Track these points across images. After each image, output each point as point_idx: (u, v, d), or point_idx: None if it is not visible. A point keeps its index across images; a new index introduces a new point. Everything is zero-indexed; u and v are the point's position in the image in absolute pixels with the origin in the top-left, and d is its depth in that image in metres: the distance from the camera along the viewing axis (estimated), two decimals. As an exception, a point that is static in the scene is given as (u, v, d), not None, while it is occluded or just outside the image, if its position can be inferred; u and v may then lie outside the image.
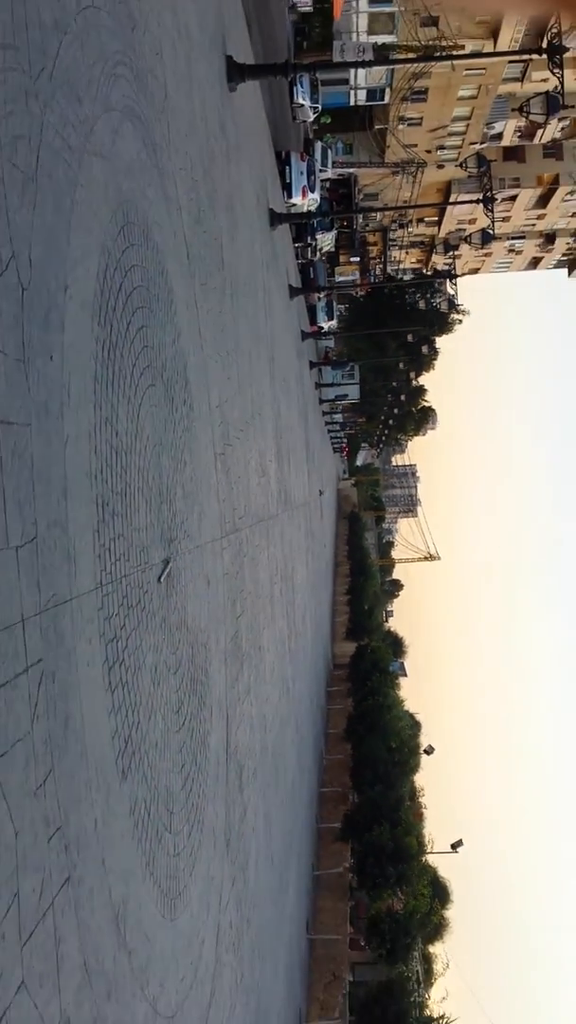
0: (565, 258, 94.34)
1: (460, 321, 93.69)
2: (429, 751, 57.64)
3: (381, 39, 52.58)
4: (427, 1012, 34.03)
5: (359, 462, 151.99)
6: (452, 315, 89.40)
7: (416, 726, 57.79)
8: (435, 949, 40.54)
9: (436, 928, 39.14)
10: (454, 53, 47.58)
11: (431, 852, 44.93)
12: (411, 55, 49.41)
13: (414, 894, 35.24)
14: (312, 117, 43.97)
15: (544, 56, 22.04)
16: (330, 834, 38.41)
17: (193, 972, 10.91)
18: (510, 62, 60.69)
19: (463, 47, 52.65)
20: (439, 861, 45.02)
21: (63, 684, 6.44)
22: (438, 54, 45.69)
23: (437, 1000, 36.48)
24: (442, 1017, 34.00)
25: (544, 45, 21.82)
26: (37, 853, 5.75)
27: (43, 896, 5.81)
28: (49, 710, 6.10)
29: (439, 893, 40.28)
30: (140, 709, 8.86)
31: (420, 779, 52.25)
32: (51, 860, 6.00)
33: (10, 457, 5.60)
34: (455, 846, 50.30)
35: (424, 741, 57.31)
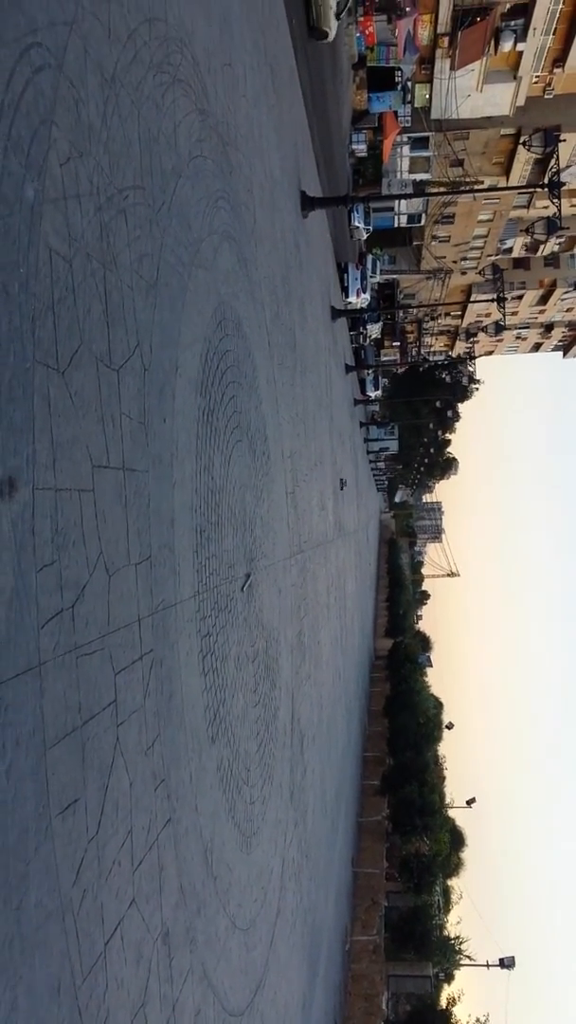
0: (561, 343, 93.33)
1: (476, 390, 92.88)
2: (450, 726, 56.75)
3: (419, 176, 52.79)
4: (446, 932, 33.25)
5: (397, 499, 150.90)
6: (471, 387, 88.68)
7: (439, 706, 56.90)
8: (453, 883, 39.63)
9: (454, 867, 38.33)
10: (475, 187, 47.54)
11: (450, 807, 44.10)
12: (442, 189, 49.52)
13: (436, 840, 34.59)
14: (366, 237, 44.14)
15: (546, 189, 21.89)
16: (371, 789, 37.88)
17: (264, 895, 10.81)
18: (519, 193, 60.49)
19: (482, 182, 52.54)
20: (457, 814, 44.17)
21: (168, 669, 6.47)
22: (463, 188, 45.67)
23: (454, 923, 35.62)
24: (457, 937, 33.17)
25: (546, 180, 21.67)
26: (146, 799, 5.76)
27: (150, 832, 5.81)
28: (157, 689, 6.13)
29: (456, 839, 39.49)
30: (226, 689, 8.85)
31: (442, 748, 51.37)
32: (157, 805, 6.00)
33: (132, 496, 5.68)
34: (470, 802, 49.39)
35: (446, 718, 56.43)
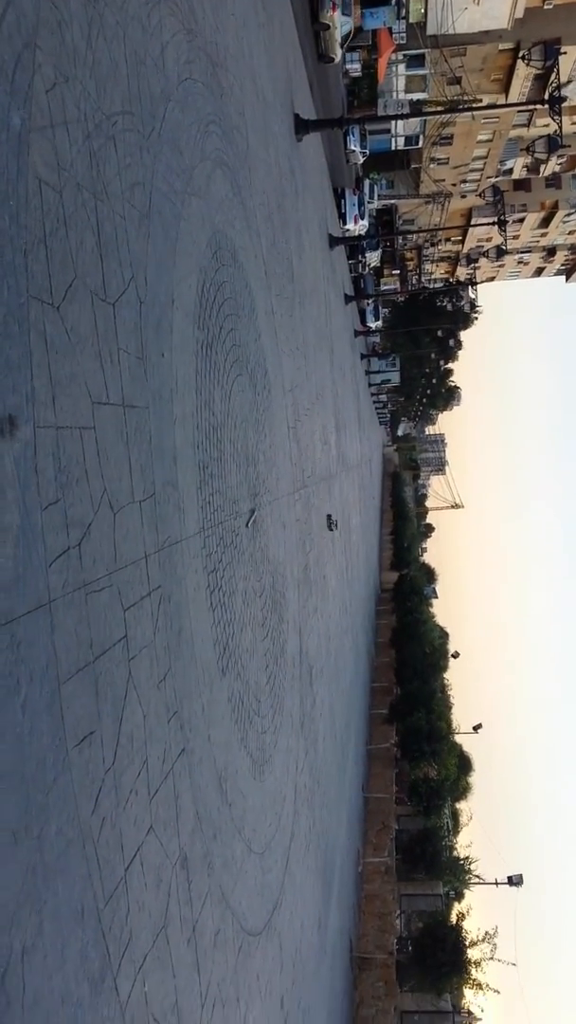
0: (563, 267, 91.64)
1: (478, 318, 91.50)
2: (456, 655, 57.50)
3: (416, 96, 51.07)
4: (455, 853, 34.26)
5: (399, 432, 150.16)
6: (472, 314, 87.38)
7: (445, 636, 57.61)
8: (461, 806, 40.67)
9: (462, 791, 39.28)
10: (474, 106, 46.00)
11: (458, 733, 44.99)
12: (440, 108, 47.90)
13: (444, 765, 35.39)
14: (362, 160, 42.98)
15: (546, 106, 21.17)
16: (379, 718, 38.66)
17: (277, 820, 11.12)
18: (519, 111, 58.67)
19: (481, 100, 50.87)
20: (464, 740, 45.10)
21: (177, 605, 6.54)
22: (461, 107, 44.19)
23: (463, 845, 36.66)
24: (467, 858, 34.19)
25: (546, 97, 20.94)
26: (160, 730, 5.88)
27: (165, 762, 5.95)
28: (167, 624, 6.21)
29: (464, 764, 40.37)
30: (235, 623, 8.96)
31: (449, 677, 52.19)
32: (171, 735, 6.14)
33: (134, 433, 5.65)
34: (476, 728, 50.32)
35: (451, 647, 57.17)
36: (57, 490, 4.32)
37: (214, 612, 7.93)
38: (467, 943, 25.59)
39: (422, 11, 46.37)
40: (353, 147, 40.25)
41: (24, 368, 4.01)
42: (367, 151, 43.37)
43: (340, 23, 31.51)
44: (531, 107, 55.57)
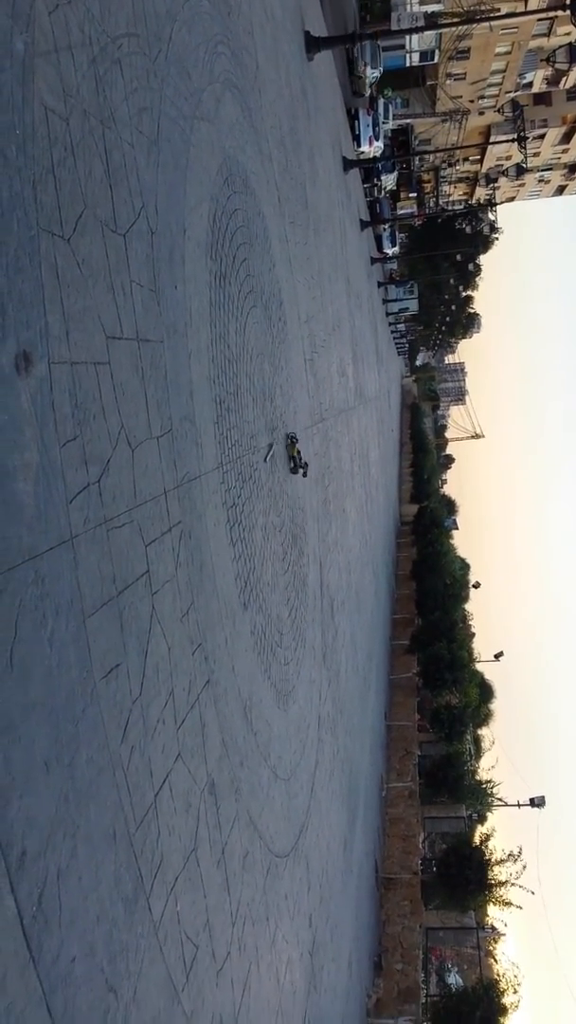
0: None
1: (498, 240, 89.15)
2: (476, 586, 57.83)
3: (430, 8, 48.90)
4: (477, 777, 34.99)
5: (418, 362, 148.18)
6: (492, 236, 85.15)
7: (466, 567, 57.79)
8: (483, 732, 41.40)
9: (484, 717, 39.94)
10: (491, 15, 44.01)
11: (479, 661, 45.54)
12: (456, 20, 45.90)
13: (466, 692, 35.92)
14: (375, 79, 41.43)
15: (568, 11, 20.18)
16: (401, 648, 39.15)
17: (302, 747, 11.39)
18: (538, 20, 56.03)
19: (499, 9, 48.65)
20: (485, 668, 45.67)
21: (197, 539, 6.60)
22: (478, 17, 42.33)
23: (486, 768, 37.40)
24: (489, 781, 34.91)
25: (568, 1, 19.95)
26: (185, 662, 6.00)
27: (191, 693, 6.08)
28: (188, 559, 6.27)
29: (485, 691, 40.96)
30: (255, 558, 9.04)
31: (470, 607, 52.58)
32: (195, 667, 6.26)
33: (149, 367, 5.63)
34: (497, 656, 50.85)
35: (472, 578, 57.44)
36: (75, 427, 4.33)
37: (234, 547, 7.99)
38: (492, 862, 26.31)
39: None
40: (366, 62, 38.71)
41: (37, 303, 3.98)
42: (380, 70, 41.79)
43: (370, 75, 35.01)
44: (552, 14, 53.05)
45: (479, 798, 33.16)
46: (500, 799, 35.82)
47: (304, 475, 12.46)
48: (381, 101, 43.31)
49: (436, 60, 56.81)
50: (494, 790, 34.76)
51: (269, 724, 9.10)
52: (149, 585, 5.33)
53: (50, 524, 3.99)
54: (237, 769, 7.39)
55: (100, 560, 4.56)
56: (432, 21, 48.37)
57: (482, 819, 35.23)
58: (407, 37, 51.54)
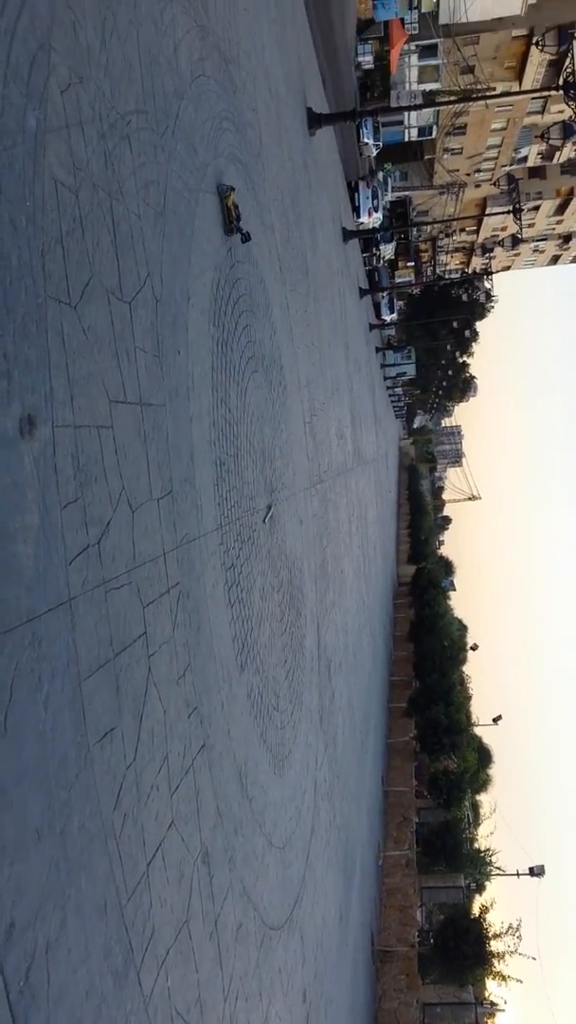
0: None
1: (493, 308, 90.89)
2: (474, 648, 57.38)
3: (429, 87, 50.81)
4: (476, 845, 34.23)
5: (416, 425, 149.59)
6: (488, 304, 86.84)
7: (463, 628, 57.44)
8: (481, 798, 40.61)
9: (482, 783, 39.22)
10: (487, 94, 45.68)
11: (477, 725, 44.92)
12: (453, 98, 47.65)
13: (464, 757, 35.35)
14: (375, 153, 42.78)
15: (561, 91, 20.95)
16: (398, 711, 38.66)
17: (298, 814, 11.16)
18: (533, 98, 58.25)
19: (495, 89, 50.51)
20: (484, 732, 45.01)
21: (195, 601, 6.57)
22: (474, 95, 43.89)
23: (485, 836, 36.59)
24: (487, 849, 34.14)
25: (561, 82, 20.72)
26: (180, 726, 5.92)
27: (185, 758, 5.99)
28: (186, 621, 6.24)
29: (484, 756, 40.29)
30: (253, 619, 8.99)
31: (467, 669, 52.04)
32: (191, 731, 6.17)
33: (151, 430, 5.68)
34: (496, 720, 50.15)
35: (470, 640, 57.04)
36: (76, 489, 4.35)
37: (232, 608, 7.96)
38: (490, 935, 25.57)
39: (434, 1, 46.09)
40: (366, 140, 40.06)
41: (42, 368, 4.04)
42: (380, 143, 43.20)
43: (375, 221, 37.00)
44: (546, 93, 55.12)
45: (478, 867, 32.41)
46: (499, 868, 34.99)
47: (243, 240, 9.02)
48: (380, 174, 44.62)
49: (434, 135, 58.79)
50: (493, 859, 33.99)
51: (265, 790, 8.93)
52: (146, 647, 5.29)
53: (49, 586, 3.98)
54: (231, 837, 7.23)
55: (97, 622, 4.53)
56: (430, 99, 50.23)
57: (481, 889, 34.35)
58: (406, 114, 53.39)
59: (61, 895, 3.88)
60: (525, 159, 68.63)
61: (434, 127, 57.52)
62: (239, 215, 8.77)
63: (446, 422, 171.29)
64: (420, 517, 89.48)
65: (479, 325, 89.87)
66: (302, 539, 13.71)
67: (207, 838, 6.41)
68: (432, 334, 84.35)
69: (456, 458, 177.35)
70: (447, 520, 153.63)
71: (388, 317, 58.66)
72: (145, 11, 6.24)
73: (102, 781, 4.42)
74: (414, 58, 49.49)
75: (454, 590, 79.43)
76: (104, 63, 5.22)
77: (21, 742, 3.62)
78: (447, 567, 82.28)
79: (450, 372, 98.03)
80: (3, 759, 3.47)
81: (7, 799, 3.48)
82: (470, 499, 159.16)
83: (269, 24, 13.62)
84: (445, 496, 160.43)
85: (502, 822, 41.98)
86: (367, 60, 44.59)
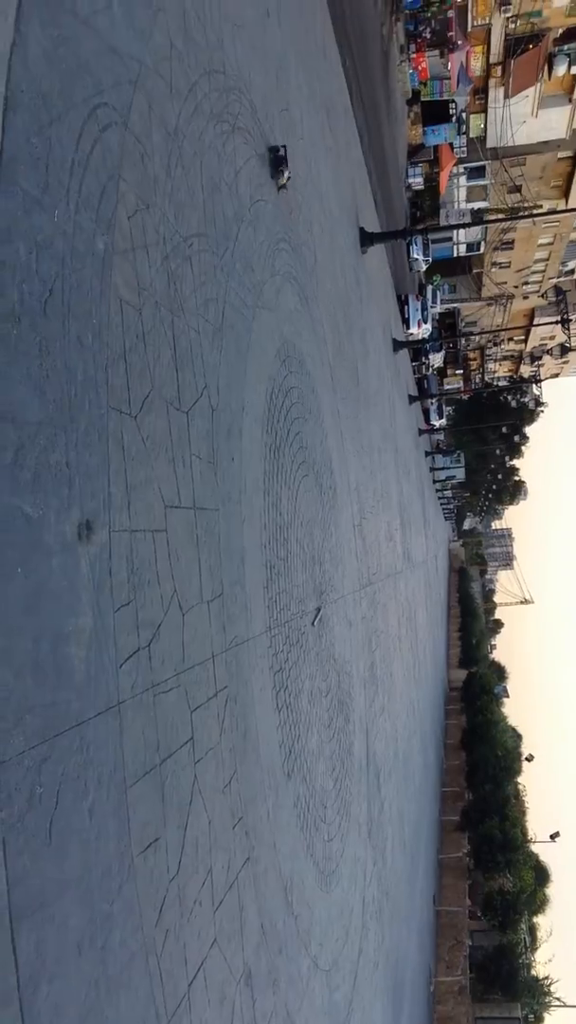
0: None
1: (542, 413, 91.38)
2: (530, 759, 55.10)
3: (477, 205, 52.84)
4: (534, 972, 32.04)
5: (465, 527, 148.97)
6: (537, 409, 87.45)
7: (518, 737, 55.38)
8: (539, 920, 38.22)
9: (539, 904, 37.01)
10: (534, 212, 47.27)
11: (533, 841, 42.72)
12: (501, 216, 49.43)
13: (520, 876, 33.51)
14: (425, 268, 44.17)
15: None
16: (450, 825, 37.02)
17: (345, 934, 10.62)
18: (579, 215, 60.09)
19: (541, 206, 52.24)
20: (540, 848, 42.76)
21: (243, 705, 6.48)
22: (522, 213, 45.48)
23: (542, 962, 34.24)
24: (546, 977, 31.94)
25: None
26: (225, 837, 5.75)
27: (229, 871, 5.79)
28: (232, 726, 6.14)
29: (541, 875, 38.17)
30: (300, 724, 8.81)
31: (522, 780, 49.88)
32: (235, 843, 5.98)
33: (204, 534, 5.75)
34: (553, 836, 47.70)
35: (525, 750, 54.86)
36: (129, 592, 4.39)
37: (280, 713, 7.82)
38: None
39: (481, 126, 48.36)
40: (416, 256, 41.47)
41: (102, 475, 4.15)
42: (430, 259, 44.69)
43: (424, 332, 38.80)
44: (591, 211, 56.81)
45: (536, 996, 30.24)
46: (559, 999, 32.58)
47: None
48: (429, 287, 45.96)
49: (482, 250, 60.67)
50: (552, 987, 31.72)
51: (311, 907, 8.55)
52: (192, 753, 5.21)
53: (99, 689, 3.97)
54: (275, 957, 6.89)
55: (145, 726, 4.49)
56: (478, 217, 52.09)
57: (539, 1020, 31.96)
58: (455, 231, 55.34)
59: (100, 1015, 3.72)
60: (572, 271, 70.18)
61: (482, 243, 59.43)
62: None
63: (496, 524, 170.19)
64: (471, 620, 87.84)
65: (529, 429, 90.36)
66: (351, 642, 13.53)
67: (250, 958, 6.12)
68: (481, 438, 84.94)
69: (507, 561, 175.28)
70: (498, 624, 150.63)
71: (437, 422, 59.38)
72: (209, 143, 6.65)
73: (144, 894, 4.29)
74: (463, 179, 51.65)
75: (507, 696, 77.09)
76: (169, 190, 5.55)
77: (65, 851, 3.54)
78: (499, 672, 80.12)
79: (499, 475, 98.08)
80: (47, 870, 3.40)
81: (49, 911, 3.39)
82: (522, 603, 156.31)
83: (325, 151, 14.39)
84: (496, 599, 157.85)
85: (561, 947, 39.36)
86: (417, 181, 46.59)
